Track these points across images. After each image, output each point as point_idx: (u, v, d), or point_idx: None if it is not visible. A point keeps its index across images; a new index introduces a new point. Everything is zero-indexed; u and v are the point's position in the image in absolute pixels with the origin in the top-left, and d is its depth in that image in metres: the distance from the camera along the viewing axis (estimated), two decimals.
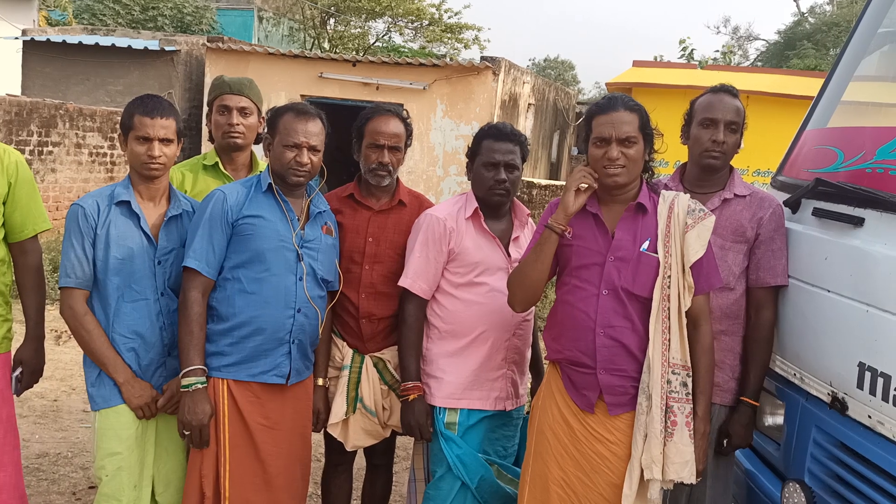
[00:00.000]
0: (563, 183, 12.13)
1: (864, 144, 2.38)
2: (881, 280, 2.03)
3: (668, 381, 2.19)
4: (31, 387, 2.65)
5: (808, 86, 11.51)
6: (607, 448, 2.24)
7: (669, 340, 2.20)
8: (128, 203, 2.43)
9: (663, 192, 2.33)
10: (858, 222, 2.18)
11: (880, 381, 1.98)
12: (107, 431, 2.40)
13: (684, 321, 2.22)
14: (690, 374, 2.23)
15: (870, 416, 2.02)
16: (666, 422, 2.18)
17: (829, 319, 2.22)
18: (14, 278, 2.56)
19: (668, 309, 2.21)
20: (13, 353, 2.57)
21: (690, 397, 2.22)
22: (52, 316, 5.18)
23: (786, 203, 2.53)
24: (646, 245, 2.23)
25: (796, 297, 2.41)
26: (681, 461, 2.17)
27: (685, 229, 2.23)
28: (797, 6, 28.36)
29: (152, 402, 2.42)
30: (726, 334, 2.49)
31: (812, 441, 2.26)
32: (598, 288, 2.24)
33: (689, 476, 2.18)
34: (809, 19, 27.62)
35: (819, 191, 2.34)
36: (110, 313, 2.40)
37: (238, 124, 2.85)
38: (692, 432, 2.21)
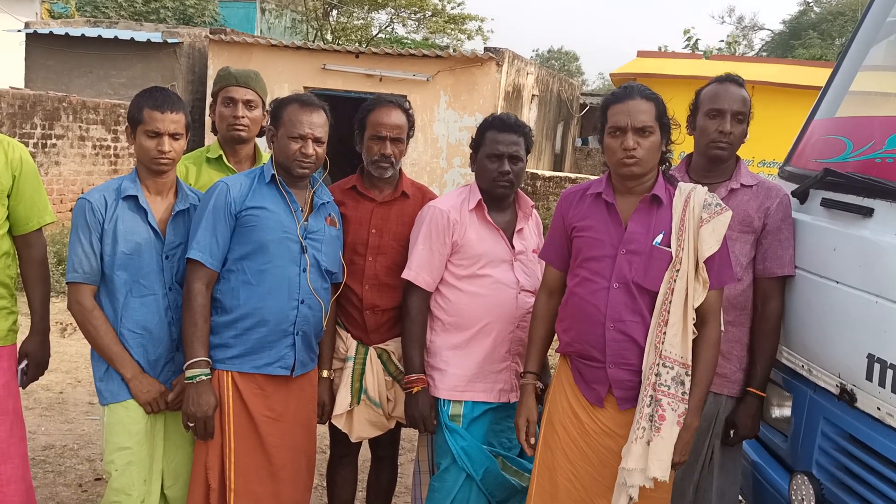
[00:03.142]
0: (567, 175, 12.10)
1: (874, 134, 2.36)
2: (890, 270, 2.01)
3: (658, 374, 2.13)
4: (37, 379, 2.65)
5: (813, 75, 11.46)
6: (616, 442, 2.21)
7: (665, 333, 2.14)
8: (135, 197, 2.42)
9: (680, 184, 2.28)
10: (867, 212, 2.16)
11: (889, 372, 1.96)
12: (116, 426, 2.40)
13: (690, 317, 2.16)
14: (689, 372, 2.16)
15: (879, 408, 2.01)
16: (653, 415, 2.11)
17: (838, 311, 2.20)
18: (19, 271, 2.56)
19: (671, 302, 2.15)
20: (18, 345, 2.57)
21: (686, 397, 2.15)
22: (58, 309, 5.18)
23: (794, 193, 2.51)
24: (659, 238, 2.19)
25: (804, 288, 2.39)
26: (666, 458, 2.09)
27: (700, 224, 2.18)
28: None
29: (160, 397, 2.42)
30: (733, 325, 2.47)
31: (820, 433, 2.25)
32: (608, 281, 2.20)
33: (663, 475, 2.08)
34: (815, 9, 27.46)
35: (828, 181, 2.32)
36: (118, 308, 2.40)
37: (243, 117, 2.83)
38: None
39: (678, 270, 2.17)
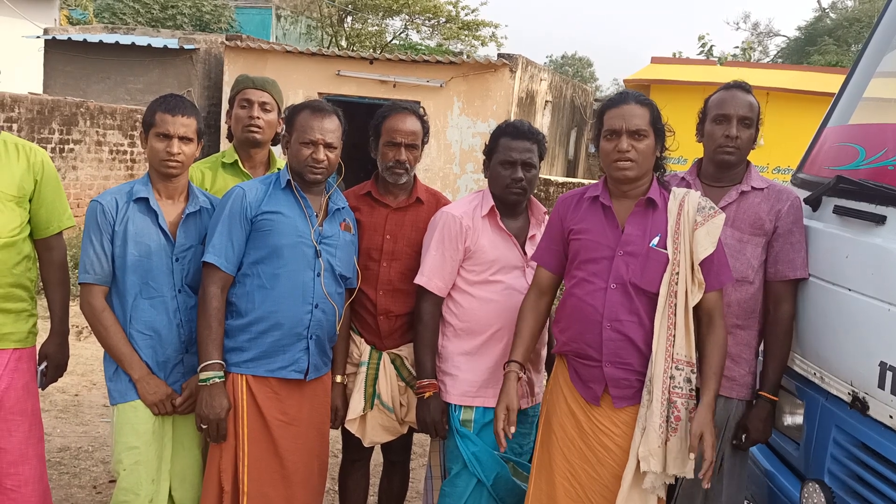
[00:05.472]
0: (581, 180, 12.09)
1: (887, 141, 2.35)
2: None
3: (672, 377, 2.19)
4: (56, 381, 2.69)
5: (828, 82, 11.37)
6: (612, 441, 2.25)
7: (675, 336, 2.20)
8: (146, 200, 2.46)
9: (674, 188, 2.33)
10: (880, 220, 2.15)
11: None
12: (124, 426, 2.43)
13: (691, 318, 2.22)
14: (695, 370, 2.22)
15: (891, 417, 2.00)
16: (669, 417, 2.18)
17: (850, 318, 2.20)
18: (39, 274, 2.60)
19: (675, 305, 2.21)
20: (38, 347, 2.61)
21: (694, 393, 2.22)
22: (74, 312, 5.22)
23: (806, 200, 2.51)
24: (655, 241, 2.24)
25: (817, 295, 2.39)
26: (683, 456, 2.17)
27: (694, 226, 2.23)
28: (818, 2, 27.98)
29: (167, 398, 2.45)
30: (743, 328, 2.48)
31: (832, 441, 2.25)
32: (606, 282, 2.24)
33: (689, 471, 2.18)
34: (830, 15, 27.28)
35: (840, 188, 2.32)
36: (128, 309, 2.43)
37: (258, 118, 2.87)
38: None
39: (677, 273, 2.21)
